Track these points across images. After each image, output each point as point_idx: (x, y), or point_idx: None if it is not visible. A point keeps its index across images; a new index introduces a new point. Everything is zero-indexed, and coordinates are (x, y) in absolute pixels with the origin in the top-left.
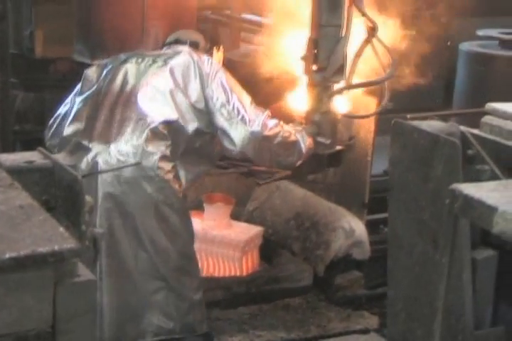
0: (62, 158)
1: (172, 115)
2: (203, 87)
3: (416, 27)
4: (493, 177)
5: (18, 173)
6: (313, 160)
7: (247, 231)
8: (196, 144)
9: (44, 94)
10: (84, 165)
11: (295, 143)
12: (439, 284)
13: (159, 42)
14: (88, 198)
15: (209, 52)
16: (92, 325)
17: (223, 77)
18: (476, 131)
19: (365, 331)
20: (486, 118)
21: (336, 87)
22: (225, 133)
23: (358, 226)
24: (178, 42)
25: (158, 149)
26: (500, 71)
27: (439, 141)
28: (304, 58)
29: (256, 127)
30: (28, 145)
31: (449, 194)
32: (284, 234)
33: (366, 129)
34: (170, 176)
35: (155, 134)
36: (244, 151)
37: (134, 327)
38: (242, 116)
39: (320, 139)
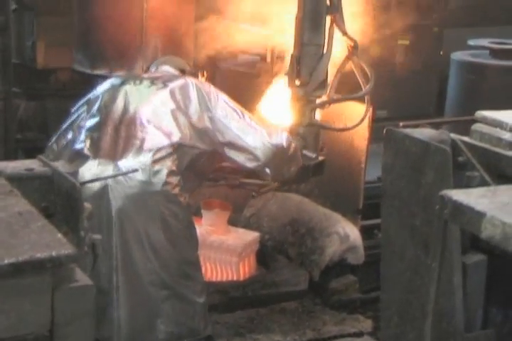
0: (61, 165)
1: (176, 134)
2: (206, 107)
3: (410, 37)
4: (483, 183)
5: (18, 180)
6: (299, 170)
7: (244, 237)
8: (199, 162)
9: (46, 103)
10: (96, 187)
11: (297, 154)
12: (430, 288)
13: (157, 52)
14: (87, 205)
15: (194, 76)
16: (90, 329)
17: (225, 97)
18: (466, 139)
19: (359, 334)
20: (476, 126)
21: (318, 101)
22: (241, 149)
23: (352, 232)
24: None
25: (165, 165)
26: (491, 79)
27: (430, 148)
28: (288, 74)
29: (276, 140)
30: (30, 153)
31: (439, 200)
32: (280, 239)
33: (360, 137)
34: (177, 190)
35: (161, 153)
36: (267, 163)
37: (148, 336)
38: (261, 131)
39: (307, 153)
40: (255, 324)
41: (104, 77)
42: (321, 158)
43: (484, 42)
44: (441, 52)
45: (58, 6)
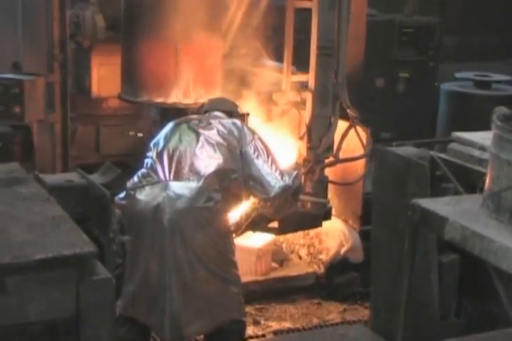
0: (95, 177)
1: (219, 160)
2: (242, 142)
3: (410, 70)
4: (457, 193)
5: (59, 190)
6: (311, 218)
7: (261, 239)
8: (235, 184)
9: (99, 126)
10: (153, 203)
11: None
12: (411, 282)
13: (189, 83)
14: (117, 211)
15: (243, 117)
16: (110, 314)
17: (260, 138)
18: (443, 155)
19: (355, 322)
20: (452, 145)
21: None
22: (258, 182)
23: (353, 235)
24: (215, 110)
25: (209, 185)
26: (474, 106)
27: (411, 164)
28: (301, 138)
29: (284, 181)
30: (84, 169)
31: (410, 207)
32: (293, 241)
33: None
34: (218, 205)
35: (206, 175)
36: (273, 199)
37: (198, 324)
38: (280, 171)
39: (320, 200)
40: (269, 313)
41: (146, 104)
42: (329, 205)
43: (469, 75)
44: (436, 83)
45: (109, 46)
